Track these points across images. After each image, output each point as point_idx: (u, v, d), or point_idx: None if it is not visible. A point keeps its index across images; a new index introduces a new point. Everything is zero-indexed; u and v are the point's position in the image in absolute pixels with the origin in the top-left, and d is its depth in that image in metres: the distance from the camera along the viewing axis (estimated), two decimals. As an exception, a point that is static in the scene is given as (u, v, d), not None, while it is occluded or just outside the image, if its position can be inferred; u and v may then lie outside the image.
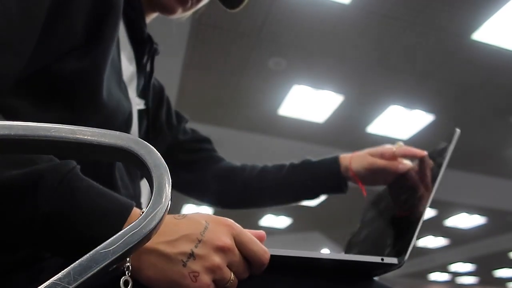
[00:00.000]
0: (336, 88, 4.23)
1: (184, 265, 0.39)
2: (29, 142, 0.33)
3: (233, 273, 0.42)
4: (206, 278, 0.40)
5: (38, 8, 0.49)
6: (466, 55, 3.64)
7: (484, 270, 11.75)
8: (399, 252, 0.50)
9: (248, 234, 0.44)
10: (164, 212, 0.33)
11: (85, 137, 0.34)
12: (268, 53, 3.72)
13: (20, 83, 0.51)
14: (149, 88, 0.80)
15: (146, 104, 0.80)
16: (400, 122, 4.71)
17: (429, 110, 4.52)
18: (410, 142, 5.23)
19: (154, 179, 0.34)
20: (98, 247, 0.31)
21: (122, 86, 0.65)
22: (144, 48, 0.74)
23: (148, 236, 0.32)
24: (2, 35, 0.45)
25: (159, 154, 0.35)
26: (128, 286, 0.37)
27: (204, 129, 0.99)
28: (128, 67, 0.70)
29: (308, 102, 4.45)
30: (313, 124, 4.85)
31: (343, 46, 3.64)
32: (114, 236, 0.32)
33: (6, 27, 0.45)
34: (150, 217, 0.32)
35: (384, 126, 4.79)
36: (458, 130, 0.64)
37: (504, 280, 12.66)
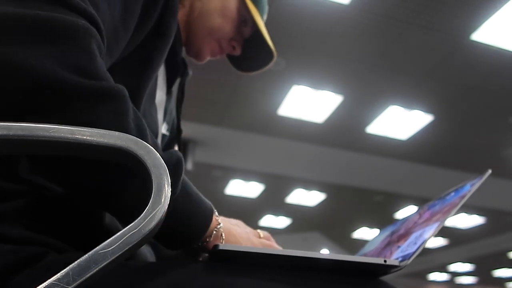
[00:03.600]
0: (335, 88, 4.23)
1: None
2: (28, 142, 0.33)
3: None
4: None
5: (133, 18, 0.55)
6: (465, 56, 3.64)
7: (483, 270, 11.76)
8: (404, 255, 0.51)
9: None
10: (163, 213, 0.33)
11: (84, 137, 0.34)
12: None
13: None
14: (179, 115, 0.81)
15: (171, 130, 0.81)
16: (400, 122, 4.71)
17: (428, 110, 4.51)
18: (410, 142, 5.21)
19: (153, 180, 0.33)
20: (97, 247, 0.31)
21: (153, 108, 0.66)
22: (177, 72, 0.75)
23: (147, 237, 0.32)
24: (109, 43, 0.51)
25: (158, 154, 0.35)
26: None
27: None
28: (160, 90, 0.71)
29: (308, 102, 4.45)
30: (313, 124, 4.84)
31: (342, 46, 3.64)
32: (113, 237, 0.31)
33: (112, 36, 0.51)
34: (149, 217, 0.32)
35: (383, 126, 4.78)
36: (489, 171, 0.61)
37: (503, 280, 12.68)
